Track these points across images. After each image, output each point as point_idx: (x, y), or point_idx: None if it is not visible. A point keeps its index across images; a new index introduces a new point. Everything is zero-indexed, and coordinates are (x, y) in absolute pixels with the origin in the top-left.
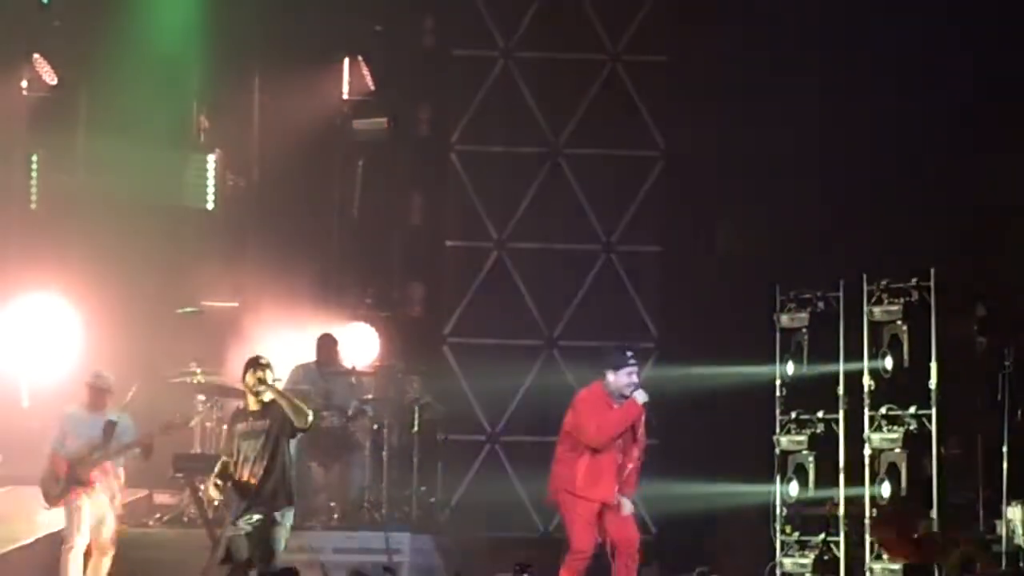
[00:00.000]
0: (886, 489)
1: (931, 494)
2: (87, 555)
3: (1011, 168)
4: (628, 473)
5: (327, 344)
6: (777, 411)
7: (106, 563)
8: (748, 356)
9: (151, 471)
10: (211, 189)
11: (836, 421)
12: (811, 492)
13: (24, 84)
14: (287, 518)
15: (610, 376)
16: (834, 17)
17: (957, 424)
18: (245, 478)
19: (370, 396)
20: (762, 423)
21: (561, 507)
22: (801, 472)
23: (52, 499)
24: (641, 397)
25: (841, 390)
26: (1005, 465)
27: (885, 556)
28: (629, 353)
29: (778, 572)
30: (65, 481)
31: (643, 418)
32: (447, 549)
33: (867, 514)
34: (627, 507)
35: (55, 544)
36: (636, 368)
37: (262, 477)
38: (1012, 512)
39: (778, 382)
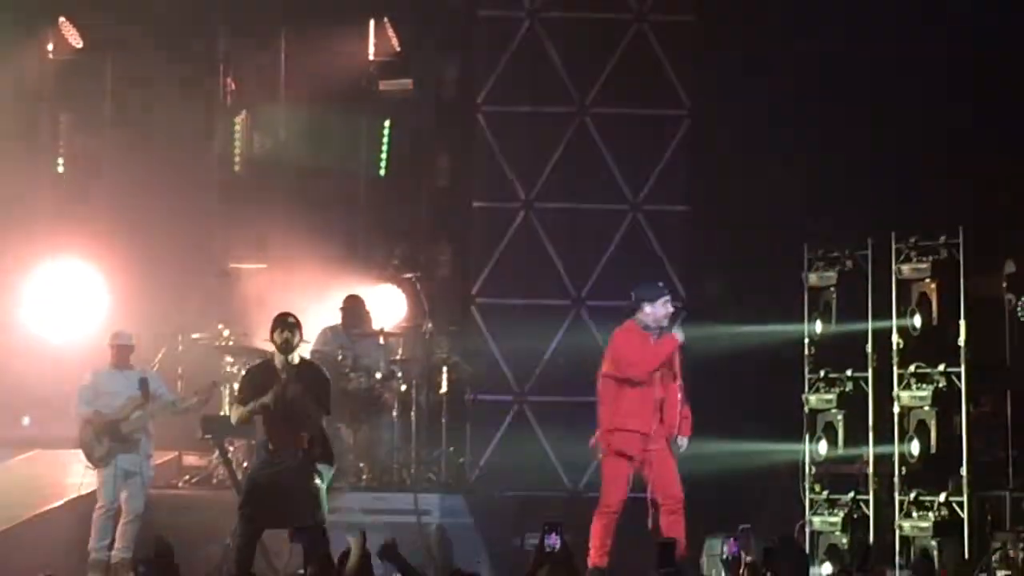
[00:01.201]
0: (915, 447)
1: (960, 452)
2: (116, 516)
3: None
4: (682, 418)
5: (354, 306)
6: (806, 370)
7: (135, 524)
8: (776, 315)
9: (180, 433)
10: (238, 151)
11: (865, 379)
12: (840, 451)
13: (50, 47)
14: (325, 477)
15: (647, 308)
16: None
17: (986, 382)
18: (283, 435)
19: (398, 357)
20: (791, 382)
21: (602, 458)
22: (830, 431)
23: (96, 460)
24: (680, 336)
25: (870, 348)
26: None
27: (915, 514)
28: (661, 284)
29: (807, 531)
30: (109, 440)
31: (679, 357)
32: (479, 510)
33: (896, 472)
34: (682, 445)
35: (83, 506)
36: (670, 298)
37: (299, 438)
38: None
39: (806, 341)
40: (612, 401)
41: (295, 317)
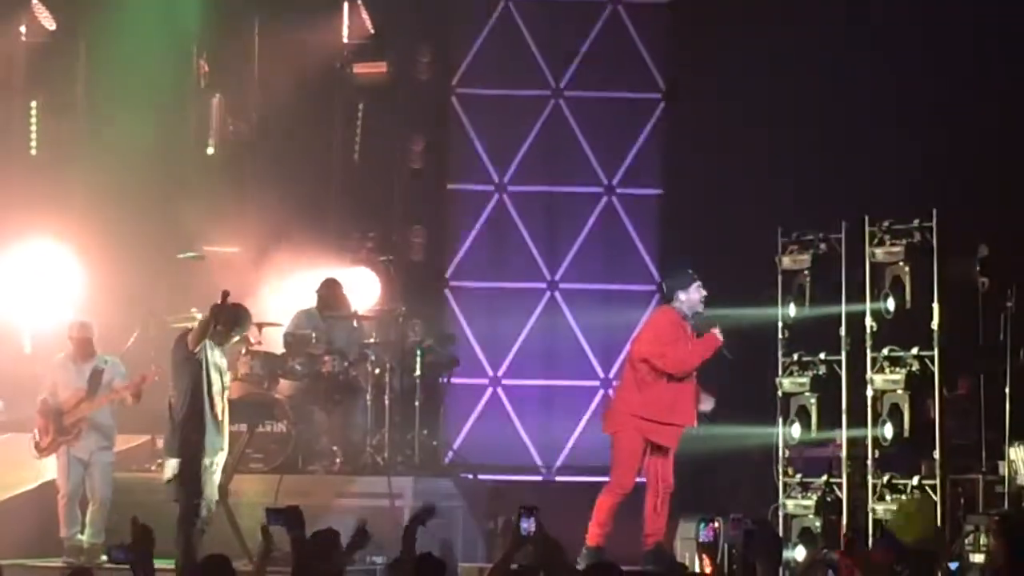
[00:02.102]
0: (888, 431)
1: (933, 435)
2: (85, 502)
3: (1014, 108)
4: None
5: (329, 289)
6: (779, 353)
7: (103, 511)
8: (750, 298)
9: (153, 416)
10: (211, 134)
11: (838, 363)
12: (813, 434)
13: (23, 30)
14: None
15: (682, 295)
16: None
17: (959, 365)
18: (221, 411)
19: (372, 340)
20: (764, 365)
21: (618, 438)
22: (803, 414)
23: (41, 450)
24: (720, 334)
25: (843, 331)
26: (1007, 406)
27: (888, 498)
28: (690, 270)
29: (780, 514)
30: (53, 432)
31: None
32: (470, 492)
33: (869, 455)
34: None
35: (55, 491)
36: (700, 282)
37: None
38: (1014, 453)
39: (780, 324)
40: (649, 388)
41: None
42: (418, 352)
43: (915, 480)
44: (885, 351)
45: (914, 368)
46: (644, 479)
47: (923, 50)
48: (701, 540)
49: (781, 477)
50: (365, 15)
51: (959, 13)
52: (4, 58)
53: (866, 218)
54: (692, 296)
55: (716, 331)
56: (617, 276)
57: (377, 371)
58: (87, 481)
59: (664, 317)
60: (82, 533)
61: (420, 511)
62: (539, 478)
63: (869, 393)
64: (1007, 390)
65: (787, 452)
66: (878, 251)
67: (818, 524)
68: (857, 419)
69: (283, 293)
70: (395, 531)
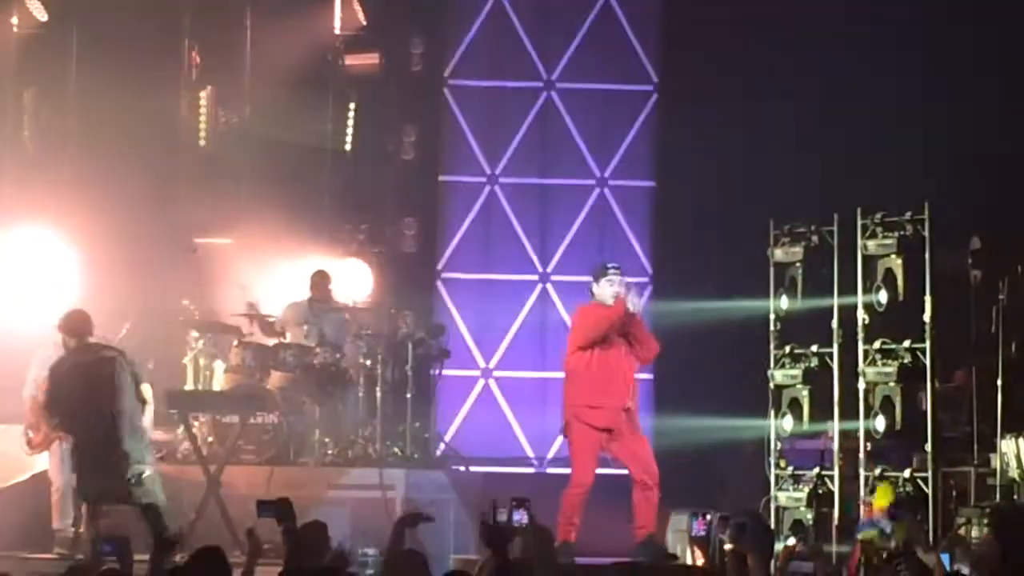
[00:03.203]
0: (880, 423)
1: (925, 428)
2: (75, 494)
3: (1006, 101)
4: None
5: (320, 280)
6: (771, 345)
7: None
8: (742, 290)
9: None
10: (203, 126)
11: (830, 355)
12: (805, 426)
13: (14, 21)
14: None
15: (595, 288)
16: None
17: (951, 358)
18: None
19: (364, 332)
20: (756, 357)
21: (567, 434)
22: (795, 406)
23: (33, 447)
24: (631, 302)
25: (835, 324)
26: (999, 398)
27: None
28: (609, 264)
29: (772, 506)
30: (46, 429)
31: (641, 327)
32: (462, 484)
33: (861, 448)
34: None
35: (47, 482)
36: (617, 277)
37: None
38: (1006, 445)
39: (772, 316)
40: (579, 377)
41: None
42: (410, 344)
43: (907, 473)
44: (877, 343)
45: (906, 360)
46: (627, 471)
47: (918, 43)
48: (693, 534)
49: (773, 469)
50: (357, 6)
51: (955, 8)
52: None
53: (858, 210)
54: (603, 290)
55: (631, 301)
56: None
57: (369, 363)
58: None
59: (577, 317)
60: (75, 526)
61: (414, 514)
62: (531, 470)
63: (861, 386)
64: (999, 382)
65: (779, 444)
66: (870, 243)
67: (810, 516)
68: (849, 412)
69: (275, 285)
70: (387, 523)
